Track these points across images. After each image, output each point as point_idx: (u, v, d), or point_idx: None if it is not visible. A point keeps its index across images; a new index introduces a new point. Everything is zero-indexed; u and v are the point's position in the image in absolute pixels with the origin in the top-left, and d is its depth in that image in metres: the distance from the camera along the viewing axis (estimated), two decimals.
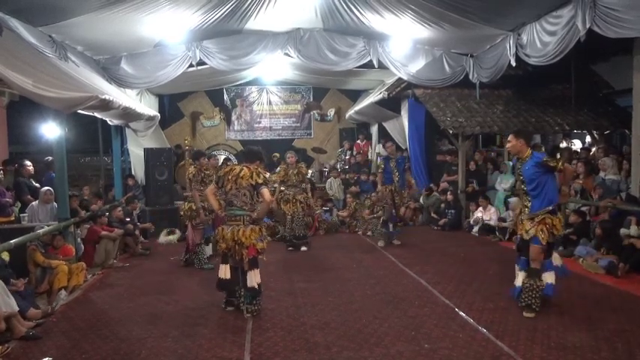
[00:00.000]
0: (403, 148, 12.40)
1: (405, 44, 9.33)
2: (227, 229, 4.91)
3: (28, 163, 7.68)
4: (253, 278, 4.89)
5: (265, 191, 4.87)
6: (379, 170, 8.54)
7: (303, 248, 8.20)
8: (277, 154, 13.27)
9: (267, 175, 5.33)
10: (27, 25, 6.42)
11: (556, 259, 5.03)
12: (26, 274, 5.65)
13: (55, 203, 6.98)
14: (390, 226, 8.36)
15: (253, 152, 5.26)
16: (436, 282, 5.92)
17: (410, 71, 9.59)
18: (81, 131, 13.75)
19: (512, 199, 8.75)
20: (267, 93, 14.48)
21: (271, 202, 4.90)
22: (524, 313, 4.66)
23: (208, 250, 7.30)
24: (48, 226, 6.18)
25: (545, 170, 4.65)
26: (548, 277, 4.81)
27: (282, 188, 8.36)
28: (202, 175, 7.01)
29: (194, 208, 6.96)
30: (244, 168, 4.98)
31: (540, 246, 4.68)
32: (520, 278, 4.88)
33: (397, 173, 8.16)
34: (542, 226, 4.66)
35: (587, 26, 6.15)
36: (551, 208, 4.69)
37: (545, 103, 10.70)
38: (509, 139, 4.99)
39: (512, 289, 4.97)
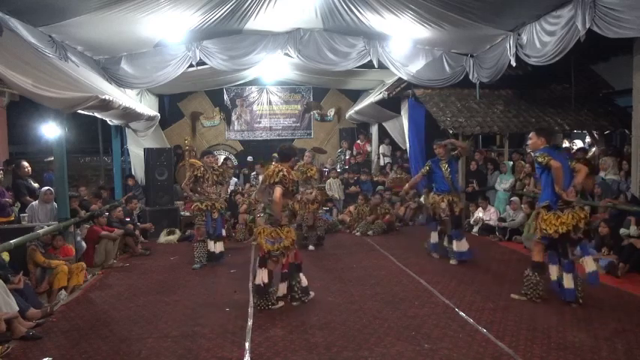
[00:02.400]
0: (403, 148, 12.42)
1: (405, 44, 9.33)
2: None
3: (25, 163, 7.64)
4: (258, 276, 5.05)
5: (275, 189, 4.90)
6: (424, 172, 7.21)
7: (311, 247, 8.19)
8: (276, 155, 13.26)
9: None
10: (27, 25, 6.42)
11: (588, 264, 4.97)
12: (26, 274, 5.65)
13: (55, 203, 6.98)
14: (455, 243, 6.89)
15: (284, 152, 5.31)
16: (436, 282, 5.91)
17: (410, 71, 9.60)
18: (81, 131, 13.79)
19: (515, 199, 8.76)
20: (267, 93, 14.47)
21: (277, 201, 4.86)
22: (512, 294, 5.16)
23: (220, 246, 7.33)
24: (48, 226, 6.18)
25: (542, 166, 4.81)
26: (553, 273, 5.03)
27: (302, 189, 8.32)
28: (197, 173, 7.07)
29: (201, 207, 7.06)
30: (273, 167, 5.11)
31: (535, 239, 5.11)
32: (553, 272, 5.05)
33: (450, 177, 6.96)
34: (537, 221, 5.00)
35: (587, 26, 6.16)
36: (545, 203, 4.91)
37: (545, 103, 10.71)
38: (530, 136, 5.18)
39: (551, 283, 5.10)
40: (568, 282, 4.86)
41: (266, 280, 5.03)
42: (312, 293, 5.32)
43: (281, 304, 5.12)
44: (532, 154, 5.12)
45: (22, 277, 5.02)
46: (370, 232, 9.46)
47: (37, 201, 7.03)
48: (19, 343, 4.26)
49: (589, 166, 7.99)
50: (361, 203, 10.17)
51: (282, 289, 5.17)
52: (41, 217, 6.84)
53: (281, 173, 4.94)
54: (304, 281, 5.25)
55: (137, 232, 8.61)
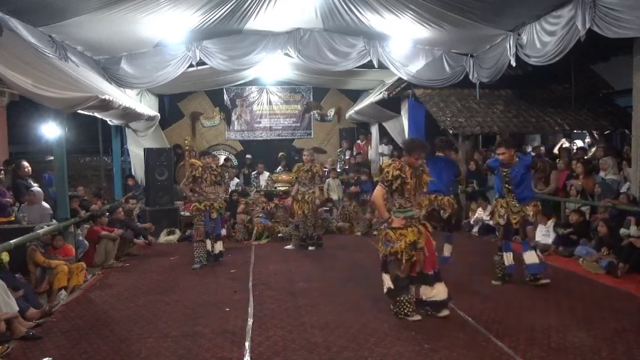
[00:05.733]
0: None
1: (405, 44, 9.32)
2: None
3: (25, 163, 7.63)
4: (384, 281, 4.73)
5: (377, 188, 4.60)
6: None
7: (311, 248, 8.17)
8: (284, 153, 13.29)
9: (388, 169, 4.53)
10: (27, 25, 6.42)
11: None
12: (26, 274, 5.65)
13: (45, 204, 6.96)
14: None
15: (406, 144, 4.73)
16: None
17: (410, 71, 9.59)
18: (81, 131, 13.77)
19: None
20: (267, 93, 14.45)
21: (373, 200, 4.62)
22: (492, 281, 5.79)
23: (219, 245, 7.33)
24: (48, 226, 6.18)
25: (530, 170, 5.66)
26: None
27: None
28: (195, 173, 7.08)
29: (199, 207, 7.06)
30: (386, 163, 4.82)
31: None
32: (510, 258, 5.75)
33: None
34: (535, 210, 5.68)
35: (587, 26, 6.16)
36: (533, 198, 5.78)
37: (545, 103, 10.71)
38: (502, 150, 5.63)
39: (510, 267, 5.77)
40: (531, 258, 5.66)
41: (391, 286, 4.66)
42: (445, 312, 4.61)
43: (417, 317, 4.56)
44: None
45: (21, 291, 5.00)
46: (375, 233, 9.40)
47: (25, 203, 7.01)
48: (19, 343, 4.26)
49: (587, 166, 8.07)
50: (347, 205, 10.20)
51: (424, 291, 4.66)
52: (29, 219, 6.77)
53: (385, 170, 4.55)
54: (428, 293, 4.59)
55: (135, 240, 8.40)
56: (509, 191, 5.76)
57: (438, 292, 4.57)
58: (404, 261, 4.50)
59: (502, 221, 5.81)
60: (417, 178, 4.57)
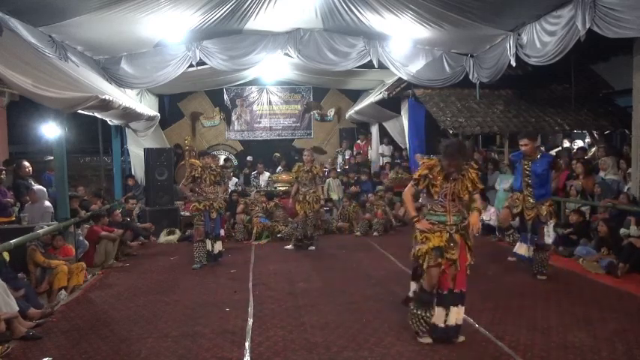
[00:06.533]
0: (403, 147, 12.42)
1: (405, 44, 9.34)
2: None
3: (26, 163, 7.63)
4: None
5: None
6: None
7: (311, 248, 8.17)
8: (278, 154, 13.30)
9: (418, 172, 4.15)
10: (27, 25, 6.43)
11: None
12: (26, 274, 5.65)
13: (47, 202, 6.95)
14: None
15: (442, 146, 4.16)
16: None
17: (410, 71, 9.60)
18: (81, 131, 13.78)
19: None
20: (267, 93, 14.47)
21: (403, 198, 4.26)
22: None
23: (218, 245, 7.32)
24: (48, 226, 6.18)
25: (552, 168, 5.78)
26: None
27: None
28: (194, 173, 7.08)
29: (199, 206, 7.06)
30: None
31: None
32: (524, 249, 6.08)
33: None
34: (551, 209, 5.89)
35: (587, 26, 6.17)
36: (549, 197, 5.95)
37: (545, 103, 10.72)
38: (525, 142, 5.76)
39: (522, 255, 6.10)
40: (521, 249, 6.13)
41: (410, 294, 4.30)
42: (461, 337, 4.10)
43: (428, 340, 4.06)
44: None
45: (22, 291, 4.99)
46: (375, 234, 9.43)
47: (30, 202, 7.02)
48: (19, 343, 4.26)
49: (587, 166, 8.08)
50: (347, 205, 10.23)
51: (438, 315, 4.07)
52: (30, 217, 6.78)
53: (419, 170, 4.15)
54: (451, 318, 4.02)
55: (131, 244, 8.31)
56: (527, 185, 5.87)
57: (453, 316, 4.07)
58: (425, 267, 4.01)
59: (516, 210, 5.98)
60: (455, 182, 4.04)
